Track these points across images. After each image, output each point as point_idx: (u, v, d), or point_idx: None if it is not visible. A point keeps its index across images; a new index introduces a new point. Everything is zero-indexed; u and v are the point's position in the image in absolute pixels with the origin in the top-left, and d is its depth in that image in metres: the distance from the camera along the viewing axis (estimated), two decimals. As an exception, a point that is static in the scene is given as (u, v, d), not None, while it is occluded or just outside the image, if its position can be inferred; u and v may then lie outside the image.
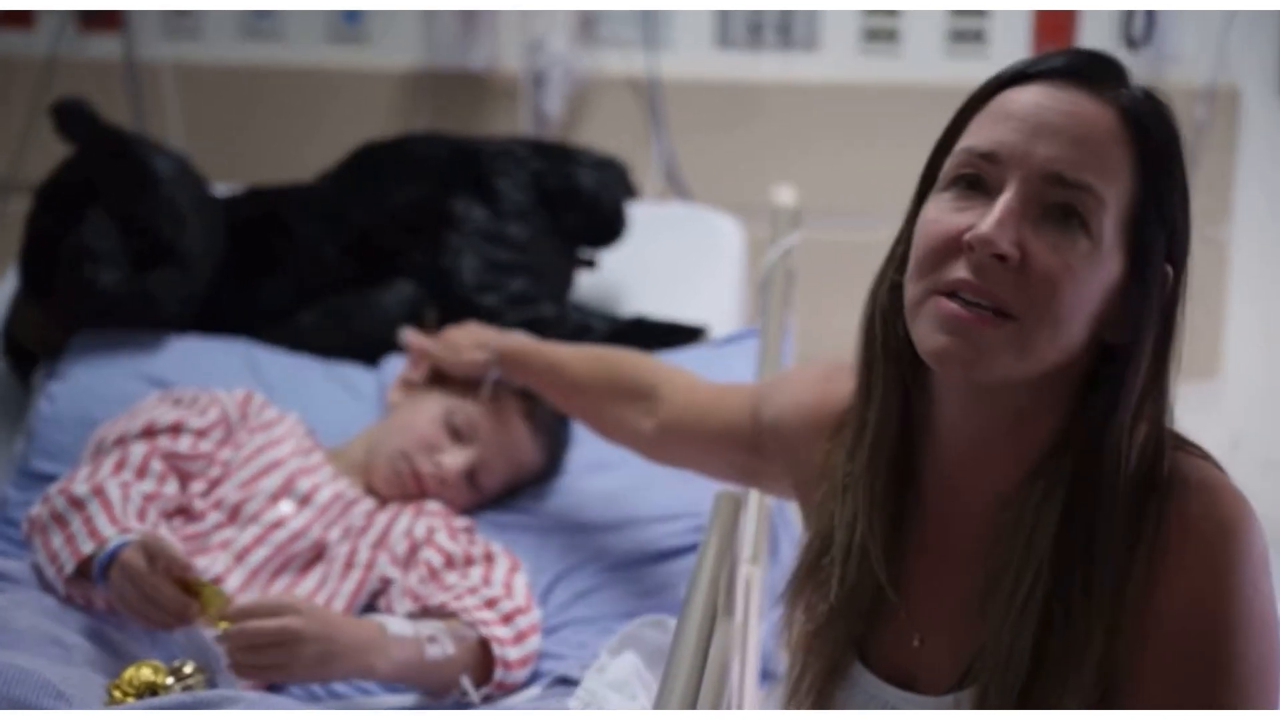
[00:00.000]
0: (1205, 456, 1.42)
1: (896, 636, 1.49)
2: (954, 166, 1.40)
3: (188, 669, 1.86)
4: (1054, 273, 1.35)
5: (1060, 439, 1.41)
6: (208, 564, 2.10)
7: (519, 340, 2.33)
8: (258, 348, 2.64)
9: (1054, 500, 1.39)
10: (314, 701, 2.01)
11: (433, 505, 2.29)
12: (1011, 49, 3.38)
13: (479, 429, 2.33)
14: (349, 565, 2.19)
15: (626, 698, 1.91)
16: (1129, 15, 3.39)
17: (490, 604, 2.07)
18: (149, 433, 2.23)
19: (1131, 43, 3.38)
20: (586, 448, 2.39)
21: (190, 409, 2.28)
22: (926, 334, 1.38)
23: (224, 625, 1.89)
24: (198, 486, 2.22)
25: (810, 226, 2.80)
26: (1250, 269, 3.50)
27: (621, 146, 3.13)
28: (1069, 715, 1.36)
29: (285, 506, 2.21)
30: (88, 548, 1.99)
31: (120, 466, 2.16)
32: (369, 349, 2.65)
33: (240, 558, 2.15)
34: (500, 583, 2.13)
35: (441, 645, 1.99)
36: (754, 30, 3.49)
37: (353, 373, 2.63)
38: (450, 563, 2.17)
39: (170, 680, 1.84)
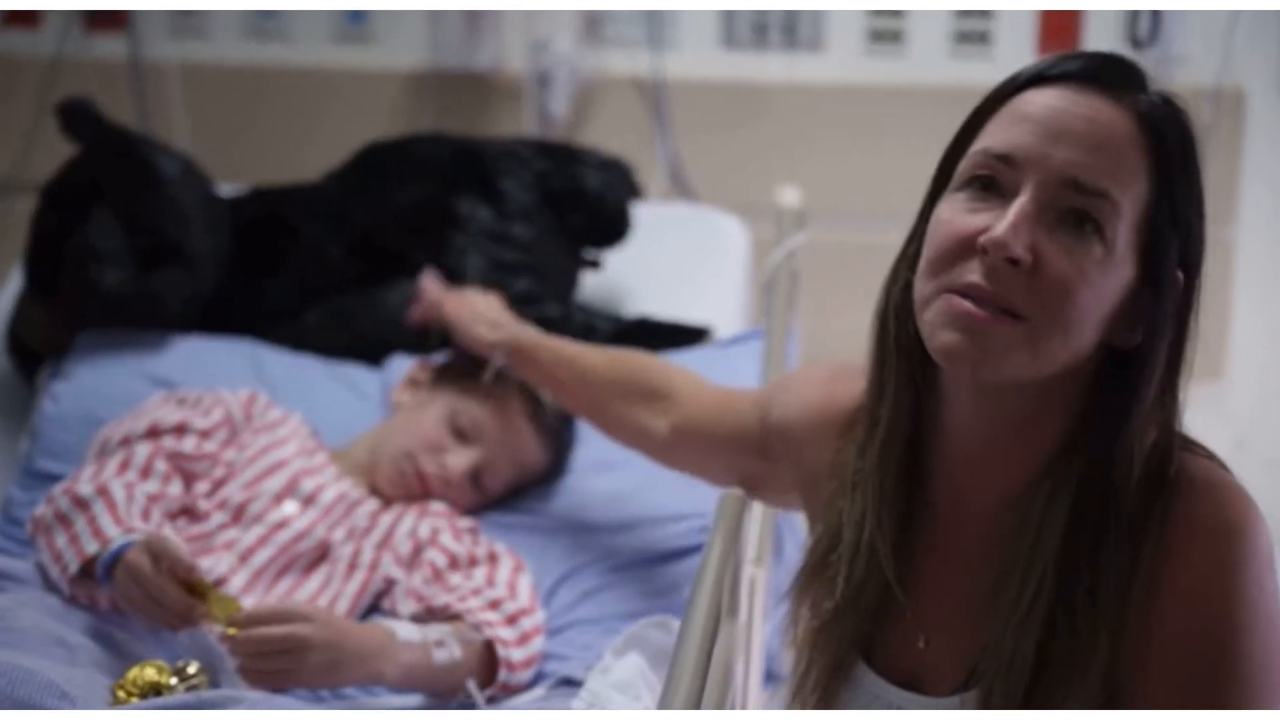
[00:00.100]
0: (1211, 456, 1.42)
1: (902, 637, 1.49)
2: (969, 167, 1.40)
3: (192, 669, 1.86)
4: (1067, 278, 1.35)
5: (1068, 441, 1.41)
6: (212, 564, 2.10)
7: (530, 332, 2.30)
8: (262, 348, 2.63)
9: (1061, 503, 1.39)
10: (318, 702, 2.01)
11: (437, 506, 2.28)
12: (1016, 50, 3.37)
13: (483, 429, 2.33)
14: (353, 566, 2.19)
15: (631, 698, 1.91)
16: (1134, 16, 3.38)
17: (494, 605, 2.07)
18: (153, 433, 2.23)
19: (1137, 44, 3.37)
20: (591, 447, 2.39)
21: (194, 409, 2.28)
22: (936, 331, 1.38)
23: (233, 631, 1.88)
24: (202, 487, 2.22)
25: (815, 227, 2.79)
26: (1255, 270, 3.49)
27: (626, 147, 3.13)
28: (1073, 716, 1.36)
29: (289, 507, 2.21)
30: (92, 548, 1.99)
31: (125, 467, 2.16)
32: (373, 349, 2.64)
33: (244, 558, 2.15)
34: (504, 584, 2.13)
35: (448, 649, 1.99)
36: (759, 31, 3.49)
37: (357, 373, 2.63)
38: (454, 563, 2.17)
39: (174, 680, 1.83)
